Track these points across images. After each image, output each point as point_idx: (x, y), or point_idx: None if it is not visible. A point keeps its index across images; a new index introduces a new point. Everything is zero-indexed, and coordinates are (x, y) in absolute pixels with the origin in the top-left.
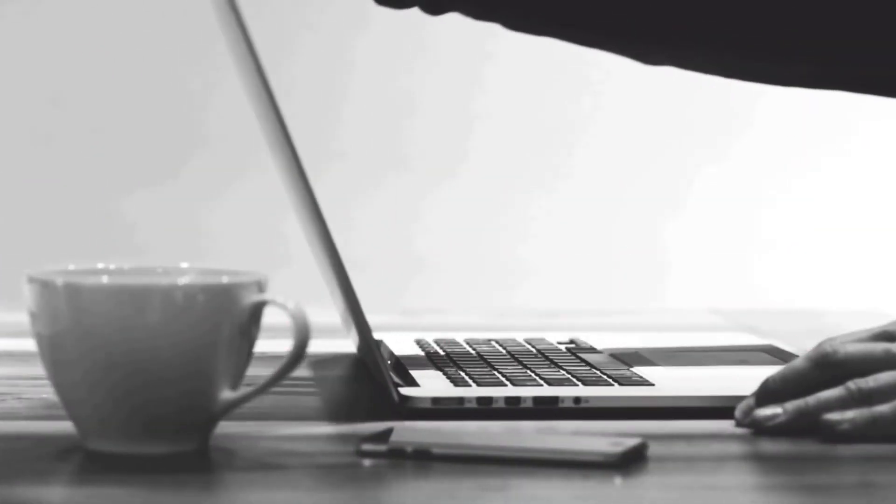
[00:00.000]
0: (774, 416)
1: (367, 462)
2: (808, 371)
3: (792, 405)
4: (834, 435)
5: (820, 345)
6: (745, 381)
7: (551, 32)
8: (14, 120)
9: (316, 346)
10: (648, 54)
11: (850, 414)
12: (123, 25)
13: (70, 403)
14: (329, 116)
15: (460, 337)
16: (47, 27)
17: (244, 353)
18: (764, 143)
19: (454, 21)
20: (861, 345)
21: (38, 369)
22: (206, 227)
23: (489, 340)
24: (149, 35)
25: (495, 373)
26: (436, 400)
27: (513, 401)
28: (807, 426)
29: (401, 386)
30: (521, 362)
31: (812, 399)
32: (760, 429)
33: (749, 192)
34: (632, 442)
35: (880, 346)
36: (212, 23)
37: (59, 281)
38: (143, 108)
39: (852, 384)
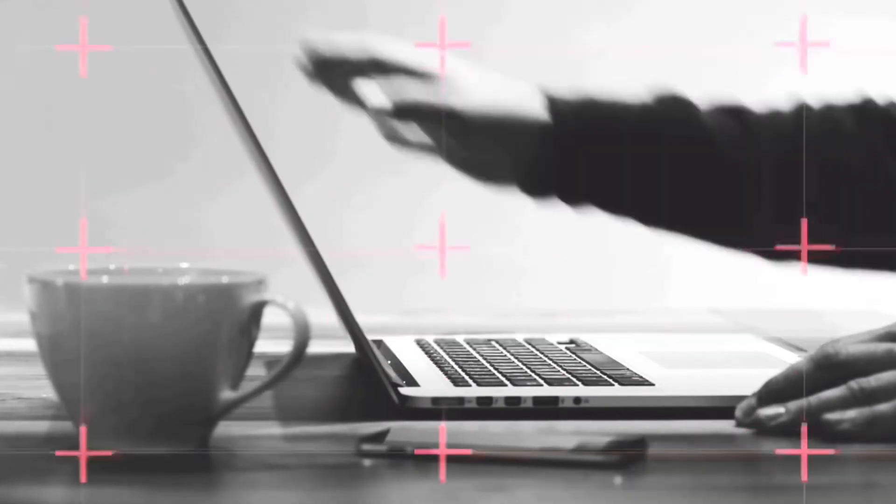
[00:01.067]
0: (777, 415)
1: (367, 462)
2: (810, 372)
3: (794, 405)
4: (834, 434)
5: (822, 346)
6: (744, 381)
7: (684, 231)
8: (13, 121)
9: (316, 346)
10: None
11: (850, 413)
12: (120, 24)
13: (70, 403)
14: (328, 114)
15: (460, 337)
16: (45, 27)
17: (244, 353)
18: None
19: (453, 21)
20: (863, 345)
21: (38, 369)
22: (205, 227)
23: (489, 340)
24: (147, 34)
25: (495, 373)
26: (436, 400)
27: (513, 401)
28: (808, 426)
29: (401, 386)
30: (521, 362)
31: (814, 398)
32: (762, 428)
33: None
34: (631, 442)
35: (883, 347)
36: (208, 23)
37: (59, 281)
38: (140, 107)
39: (854, 383)
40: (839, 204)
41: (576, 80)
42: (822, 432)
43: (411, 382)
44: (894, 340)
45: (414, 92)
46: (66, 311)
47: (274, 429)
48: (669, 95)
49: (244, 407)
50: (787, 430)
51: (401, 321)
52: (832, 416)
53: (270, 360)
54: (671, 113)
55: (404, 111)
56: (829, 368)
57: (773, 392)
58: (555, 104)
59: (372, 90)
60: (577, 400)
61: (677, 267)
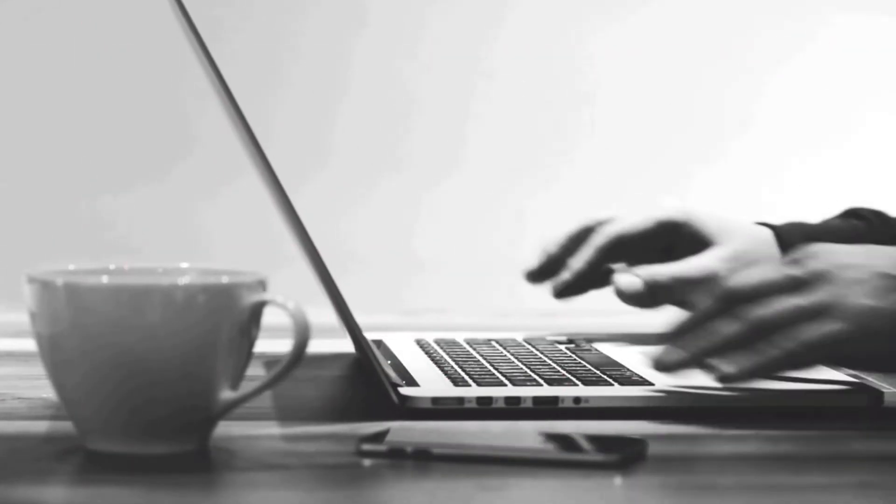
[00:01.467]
0: (683, 358)
1: (367, 462)
2: (714, 309)
3: (697, 346)
4: (726, 379)
5: (725, 281)
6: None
7: None
8: (13, 121)
9: (316, 346)
10: None
11: (739, 361)
12: (120, 24)
13: (70, 403)
14: (328, 116)
15: (460, 337)
16: (46, 28)
17: (244, 353)
18: (763, 144)
19: (451, 20)
20: (763, 273)
21: (38, 369)
22: (205, 227)
23: (489, 340)
24: (147, 34)
25: (495, 373)
26: (436, 400)
27: (513, 401)
28: (705, 367)
29: (401, 386)
30: (521, 362)
31: (716, 337)
32: (671, 371)
33: (748, 193)
34: (632, 442)
35: (781, 272)
36: (208, 23)
37: (59, 281)
38: (139, 106)
39: (752, 315)
40: None
41: (578, 84)
42: (715, 375)
43: (411, 382)
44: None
45: (664, 271)
46: (66, 311)
47: (274, 429)
48: (866, 209)
49: (244, 407)
50: (693, 368)
51: (401, 321)
52: (721, 363)
53: (270, 360)
54: (876, 227)
55: (658, 291)
56: (731, 302)
57: (681, 333)
58: (781, 237)
59: (620, 277)
60: (576, 400)
61: None
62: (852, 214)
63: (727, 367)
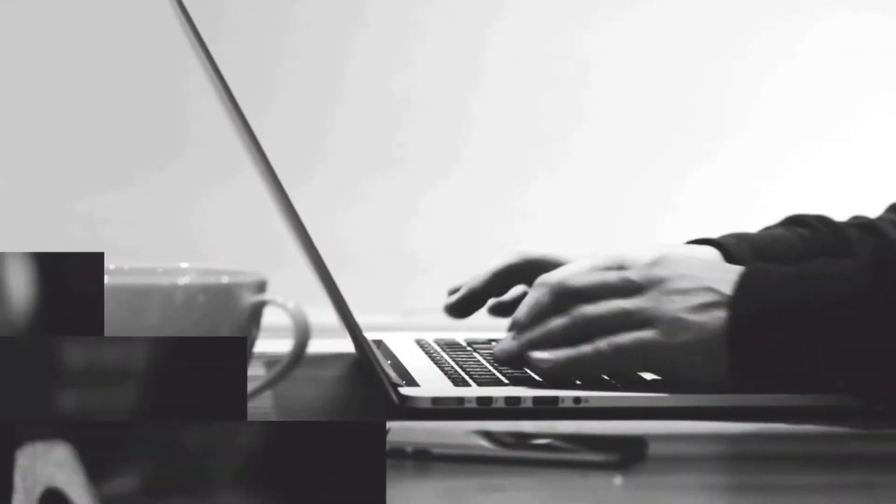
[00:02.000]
0: (508, 347)
1: None
2: (550, 302)
3: (525, 338)
4: (540, 372)
5: (566, 281)
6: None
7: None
8: (11, 120)
9: (316, 346)
10: None
11: (555, 353)
12: (119, 23)
13: None
14: (327, 115)
15: (460, 337)
16: (44, 27)
17: None
18: (761, 143)
19: (448, 20)
20: (597, 274)
21: None
22: (204, 227)
23: (489, 340)
24: (147, 33)
25: (495, 373)
26: (436, 400)
27: (513, 401)
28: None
29: (401, 386)
30: None
31: (540, 329)
32: (503, 362)
33: (746, 192)
34: (632, 442)
35: (615, 274)
36: (208, 23)
37: None
38: (139, 105)
39: (577, 312)
40: None
41: (576, 84)
42: (532, 369)
43: (411, 382)
44: (621, 269)
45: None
46: None
47: None
48: (810, 216)
49: None
50: (517, 363)
51: (401, 321)
52: (537, 355)
53: (270, 360)
54: (823, 234)
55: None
56: (566, 299)
57: (519, 328)
58: (730, 251)
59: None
60: (576, 400)
61: None
62: (796, 222)
63: (542, 357)
